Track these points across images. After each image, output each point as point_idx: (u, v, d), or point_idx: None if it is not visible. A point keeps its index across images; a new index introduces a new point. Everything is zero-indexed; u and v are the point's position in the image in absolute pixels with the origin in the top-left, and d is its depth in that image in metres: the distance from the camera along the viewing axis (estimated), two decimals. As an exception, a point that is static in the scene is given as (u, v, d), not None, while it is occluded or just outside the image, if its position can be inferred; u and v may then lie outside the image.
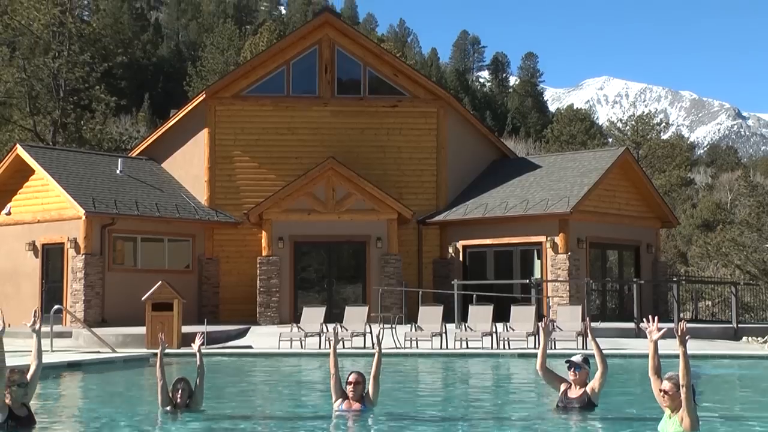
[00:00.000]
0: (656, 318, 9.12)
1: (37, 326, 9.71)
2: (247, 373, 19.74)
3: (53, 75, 48.46)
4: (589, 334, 10.14)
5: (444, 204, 32.60)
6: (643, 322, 9.01)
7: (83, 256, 28.54)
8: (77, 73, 48.92)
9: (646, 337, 9.08)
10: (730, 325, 27.45)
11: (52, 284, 29.72)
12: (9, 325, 10.82)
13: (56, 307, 24.12)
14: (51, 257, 30.02)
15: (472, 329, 22.89)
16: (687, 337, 8.42)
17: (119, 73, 75.79)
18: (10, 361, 10.04)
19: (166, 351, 11.92)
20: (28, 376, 9.58)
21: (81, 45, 49.82)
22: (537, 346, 21.45)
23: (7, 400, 9.29)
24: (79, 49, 49.44)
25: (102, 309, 28.67)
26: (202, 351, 11.44)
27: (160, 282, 23.67)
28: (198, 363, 11.26)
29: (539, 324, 17.42)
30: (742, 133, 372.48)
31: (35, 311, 9.95)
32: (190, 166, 32.75)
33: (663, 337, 8.96)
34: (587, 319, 12.25)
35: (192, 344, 11.50)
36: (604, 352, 10.67)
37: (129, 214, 29.54)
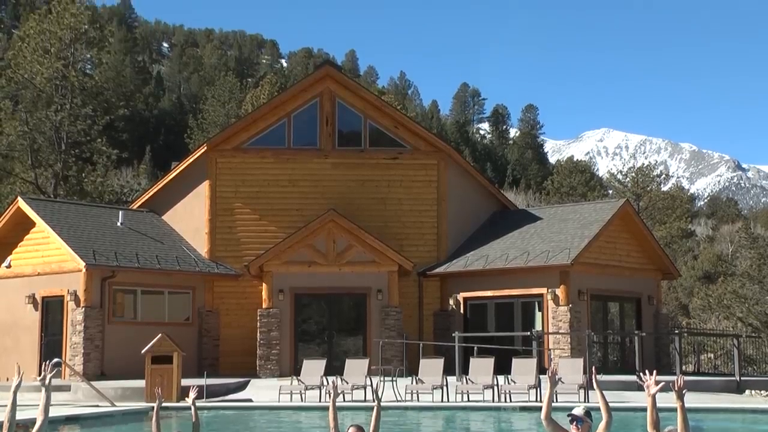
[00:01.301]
0: (654, 372, 9.07)
1: (47, 380, 9.61)
2: (247, 426, 19.60)
3: (55, 128, 48.69)
4: (594, 384, 10.07)
5: (444, 256, 32.57)
6: (643, 375, 8.94)
7: (83, 309, 28.46)
8: (79, 126, 49.16)
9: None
10: (733, 378, 27.29)
11: (51, 337, 29.61)
12: (7, 379, 10.73)
13: (55, 360, 24.00)
14: (51, 310, 29.94)
15: (473, 382, 22.76)
16: (684, 392, 8.37)
17: (121, 125, 76.11)
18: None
19: (164, 405, 11.82)
20: (33, 432, 9.48)
21: (83, 98, 50.11)
22: (539, 398, 21.40)
23: (10, 456, 9.18)
24: (81, 102, 49.72)
25: (101, 362, 28.53)
26: (198, 404, 11.35)
27: (159, 335, 23.60)
28: (193, 417, 11.16)
29: (541, 376, 17.25)
30: (742, 184, 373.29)
31: (47, 364, 9.86)
32: (190, 218, 32.78)
33: (662, 390, 8.90)
34: (593, 368, 12.18)
35: (186, 398, 11.41)
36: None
37: (129, 266, 29.50)
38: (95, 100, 51.51)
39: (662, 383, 8.77)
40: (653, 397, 8.97)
